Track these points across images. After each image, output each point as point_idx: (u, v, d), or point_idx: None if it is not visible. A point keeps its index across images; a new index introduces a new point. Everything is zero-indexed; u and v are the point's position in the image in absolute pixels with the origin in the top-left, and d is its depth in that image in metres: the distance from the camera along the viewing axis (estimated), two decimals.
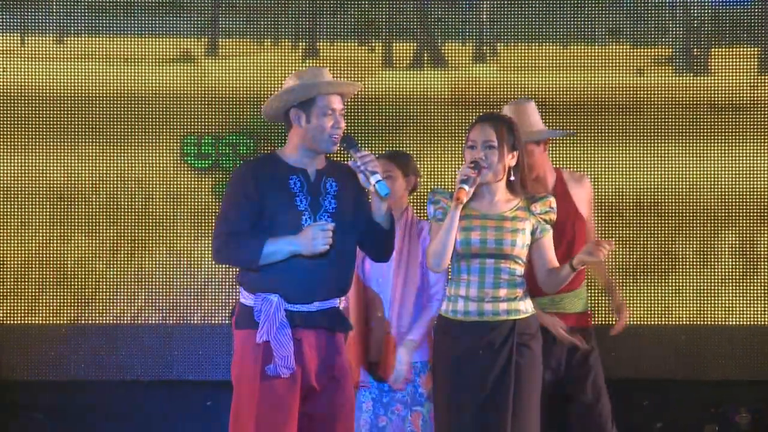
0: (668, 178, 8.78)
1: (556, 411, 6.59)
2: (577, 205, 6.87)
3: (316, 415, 5.95)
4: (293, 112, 6.00)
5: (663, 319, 8.76)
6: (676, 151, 8.77)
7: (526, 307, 6.09)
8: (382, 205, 6.11)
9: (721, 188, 8.79)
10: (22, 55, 8.76)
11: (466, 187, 6.01)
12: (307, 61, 8.78)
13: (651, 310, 8.75)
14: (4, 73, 8.71)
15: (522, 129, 6.60)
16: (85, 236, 8.77)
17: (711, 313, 8.76)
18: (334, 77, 6.14)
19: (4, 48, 8.76)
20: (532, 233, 6.11)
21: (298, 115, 5.99)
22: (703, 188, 8.80)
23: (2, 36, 8.77)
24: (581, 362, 6.75)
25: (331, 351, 6.03)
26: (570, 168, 7.49)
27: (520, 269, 6.05)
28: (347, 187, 6.15)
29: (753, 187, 8.79)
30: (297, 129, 6.03)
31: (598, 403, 6.74)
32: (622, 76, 8.77)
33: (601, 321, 8.20)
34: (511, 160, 6.07)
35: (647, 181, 8.79)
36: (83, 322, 8.68)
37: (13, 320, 8.69)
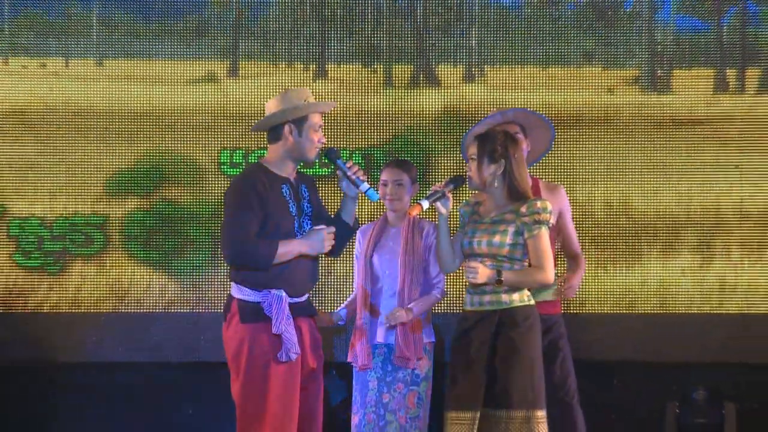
0: (636, 184, 8.71)
1: None
2: None
3: (309, 387, 6.20)
4: (287, 128, 6.10)
5: (631, 308, 8.68)
6: (642, 161, 8.70)
7: (510, 299, 6.16)
8: (353, 207, 6.31)
9: (681, 192, 8.72)
10: (67, 77, 8.73)
11: (425, 203, 6.18)
12: (317, 81, 8.71)
13: (621, 300, 8.68)
14: (51, 92, 8.70)
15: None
16: (122, 234, 8.72)
17: (673, 303, 8.69)
18: (316, 97, 6.25)
19: (51, 70, 8.74)
20: (521, 234, 6.16)
21: (290, 129, 6.11)
22: (666, 192, 8.71)
23: (49, 59, 8.75)
24: (552, 346, 6.89)
25: (315, 333, 6.26)
26: (546, 179, 7.53)
27: (507, 265, 6.15)
28: (313, 192, 6.33)
29: (709, 191, 8.71)
30: (286, 142, 6.13)
31: (565, 382, 6.94)
32: (595, 95, 8.74)
33: (579, 310, 8.57)
34: (496, 169, 6.16)
35: (617, 188, 8.71)
36: (121, 310, 8.68)
37: (61, 309, 8.66)
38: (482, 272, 6.08)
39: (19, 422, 8.61)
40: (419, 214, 6.42)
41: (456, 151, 8.42)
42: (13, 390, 8.61)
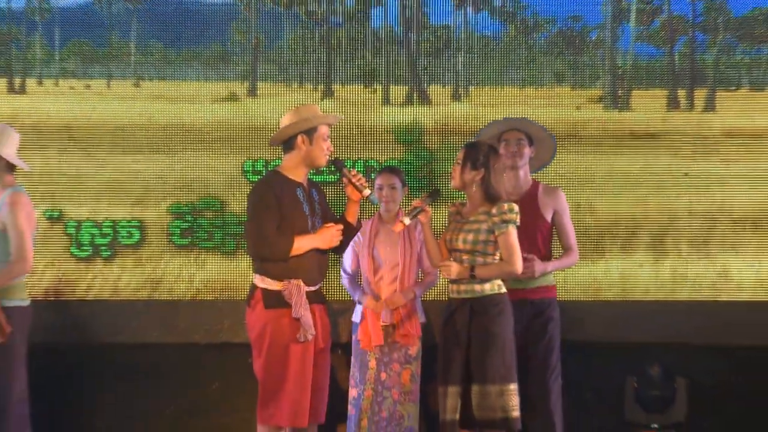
0: (600, 189, 8.95)
1: (519, 364, 6.78)
2: (542, 210, 7.27)
3: (319, 364, 6.61)
4: (300, 138, 6.43)
5: (596, 296, 8.88)
6: (606, 169, 8.96)
7: (482, 289, 6.47)
8: (356, 210, 6.65)
9: (638, 196, 8.96)
10: (109, 96, 8.98)
11: (406, 220, 6.51)
12: (325, 99, 8.90)
13: (587, 289, 8.88)
14: (95, 110, 8.92)
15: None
16: (157, 233, 8.95)
17: (632, 291, 8.91)
18: (323, 112, 6.62)
19: (95, 90, 9.00)
20: (492, 232, 6.51)
21: (303, 139, 6.45)
22: (626, 196, 8.94)
23: (93, 81, 9.01)
24: (540, 328, 7.20)
25: (325, 318, 6.65)
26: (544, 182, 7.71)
27: (480, 260, 6.51)
28: (321, 196, 6.68)
29: (663, 195, 8.95)
30: (300, 150, 6.43)
31: (547, 360, 7.22)
32: (564, 112, 8.97)
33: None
34: (475, 175, 6.50)
35: (584, 192, 8.93)
36: (155, 298, 8.90)
37: (103, 297, 8.91)
38: (453, 269, 6.55)
39: (65, 394, 8.79)
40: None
41: (446, 160, 8.93)
42: (61, 366, 8.76)
